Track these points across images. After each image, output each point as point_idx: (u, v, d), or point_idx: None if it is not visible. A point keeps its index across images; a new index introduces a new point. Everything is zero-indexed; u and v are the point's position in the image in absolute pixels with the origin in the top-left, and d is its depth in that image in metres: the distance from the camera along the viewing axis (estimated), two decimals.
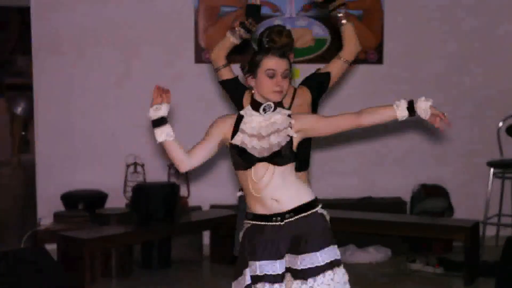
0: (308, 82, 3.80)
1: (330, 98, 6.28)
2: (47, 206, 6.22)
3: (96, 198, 6.21)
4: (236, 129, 3.16)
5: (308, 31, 6.57)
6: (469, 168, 6.73)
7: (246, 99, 3.70)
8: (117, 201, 6.25)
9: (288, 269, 3.11)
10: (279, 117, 3.15)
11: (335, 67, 3.79)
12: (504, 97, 6.69)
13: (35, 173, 6.44)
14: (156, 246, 5.93)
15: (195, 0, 6.44)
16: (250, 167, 3.12)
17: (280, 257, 3.11)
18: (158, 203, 5.78)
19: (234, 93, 3.78)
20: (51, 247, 5.63)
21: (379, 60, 6.65)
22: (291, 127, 3.13)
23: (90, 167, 6.39)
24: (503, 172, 6.57)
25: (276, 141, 3.11)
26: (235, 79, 3.79)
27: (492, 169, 6.44)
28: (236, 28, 3.74)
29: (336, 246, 3.17)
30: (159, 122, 3.09)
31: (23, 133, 9.61)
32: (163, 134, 3.11)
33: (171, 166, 6.24)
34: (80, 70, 6.38)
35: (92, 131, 6.39)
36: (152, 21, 6.41)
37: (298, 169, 3.25)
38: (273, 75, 3.10)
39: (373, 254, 6.12)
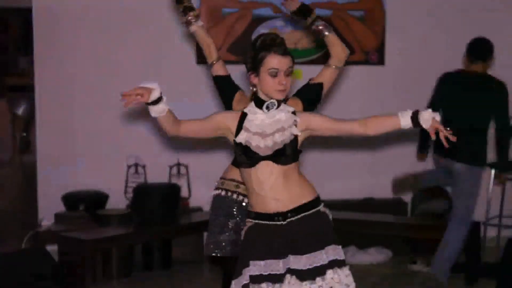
0: (300, 93, 3.77)
1: (331, 99, 6.27)
2: (48, 207, 6.22)
3: (97, 199, 6.21)
4: (240, 127, 3.14)
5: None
6: None
7: (236, 100, 3.70)
8: (118, 202, 6.25)
9: (291, 271, 3.09)
10: (283, 114, 3.13)
11: (326, 76, 3.77)
12: None
13: (36, 174, 6.45)
14: (157, 247, 5.94)
15: (196, 1, 6.44)
16: (254, 165, 3.10)
17: (283, 256, 3.10)
18: (159, 204, 5.78)
19: (225, 91, 3.77)
20: (52, 248, 5.63)
21: (381, 61, 6.65)
22: (295, 125, 3.12)
23: (91, 168, 6.39)
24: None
25: (280, 139, 3.09)
26: (228, 77, 3.77)
27: (493, 171, 6.44)
28: (184, 19, 3.79)
29: (340, 246, 3.17)
30: (156, 101, 3.05)
31: (24, 134, 9.63)
32: (156, 113, 3.07)
33: (172, 167, 6.26)
34: (82, 71, 6.38)
35: (93, 132, 6.39)
36: (153, 22, 6.42)
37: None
38: (276, 74, 3.07)
39: (374, 255, 6.12)
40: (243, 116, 3.15)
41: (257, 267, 3.10)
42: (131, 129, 6.39)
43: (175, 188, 5.94)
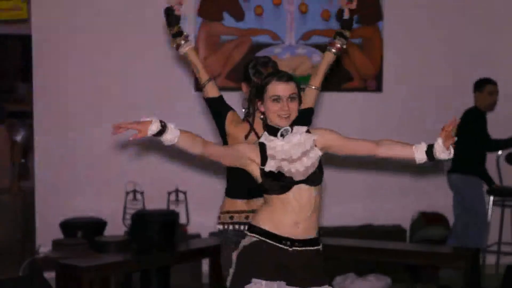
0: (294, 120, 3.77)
1: (328, 126, 6.26)
2: (46, 234, 6.20)
3: (95, 226, 6.19)
4: (264, 156, 3.14)
5: (307, 59, 6.59)
6: None
7: (229, 120, 3.70)
8: (116, 228, 6.24)
9: None
10: (299, 137, 3.16)
11: (311, 98, 3.78)
12: (503, 125, 6.70)
13: (34, 201, 6.43)
14: (155, 274, 5.90)
15: (195, 29, 6.48)
16: (287, 191, 3.11)
17: (280, 281, 3.09)
18: (157, 230, 5.76)
19: (217, 112, 3.77)
20: (50, 275, 5.61)
21: (379, 88, 6.68)
22: (315, 145, 3.16)
23: (89, 194, 6.38)
24: (502, 200, 6.57)
25: (310, 162, 3.13)
26: (220, 97, 3.77)
27: (491, 197, 6.44)
28: (175, 43, 3.78)
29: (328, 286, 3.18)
30: (160, 132, 3.04)
31: (23, 160, 9.62)
32: (167, 141, 3.06)
33: (171, 193, 6.25)
34: (79, 98, 6.39)
35: (91, 158, 6.40)
36: (152, 49, 6.44)
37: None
38: (278, 100, 3.11)
39: (373, 282, 6.09)
40: (262, 146, 3.17)
41: (257, 285, 3.09)
42: (129, 156, 6.40)
43: (174, 215, 5.93)
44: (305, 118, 3.67)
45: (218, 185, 6.01)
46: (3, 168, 7.09)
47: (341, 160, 6.62)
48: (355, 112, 6.68)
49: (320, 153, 3.16)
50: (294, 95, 3.13)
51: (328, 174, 6.48)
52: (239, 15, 6.52)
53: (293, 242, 3.13)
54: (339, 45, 3.75)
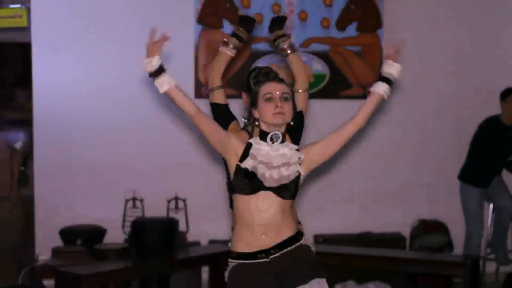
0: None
1: (327, 133, 6.26)
2: (46, 242, 6.20)
3: (95, 233, 6.19)
4: (245, 154, 3.13)
5: (307, 67, 6.60)
6: None
7: (231, 129, 3.69)
8: (115, 236, 6.23)
9: None
10: (287, 150, 3.14)
11: (300, 101, 3.78)
12: None
13: (34, 208, 6.43)
14: (155, 282, 5.90)
15: (195, 36, 6.48)
16: (254, 193, 3.09)
17: (283, 286, 3.08)
18: (157, 238, 5.76)
19: (222, 119, 3.76)
20: (49, 283, 5.60)
21: None
22: (300, 163, 3.13)
23: (88, 202, 6.38)
24: None
25: (287, 173, 3.10)
26: (226, 106, 3.77)
27: (491, 205, 6.44)
28: (228, 39, 3.74)
29: (325, 280, 3.15)
30: (157, 72, 3.09)
31: (23, 168, 9.61)
32: (165, 83, 3.10)
33: (170, 201, 6.24)
34: (79, 106, 6.40)
35: (90, 166, 6.39)
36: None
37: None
38: (271, 98, 3.10)
39: None
40: (248, 145, 3.15)
41: None
42: (129, 163, 6.40)
43: (173, 223, 5.92)
44: (296, 121, 3.67)
45: (218, 192, 6.01)
46: (2, 176, 7.09)
47: (340, 168, 6.63)
48: None
49: (302, 171, 3.13)
50: (286, 95, 3.13)
51: (328, 181, 6.53)
52: None
53: (268, 252, 3.11)
54: (286, 45, 3.75)
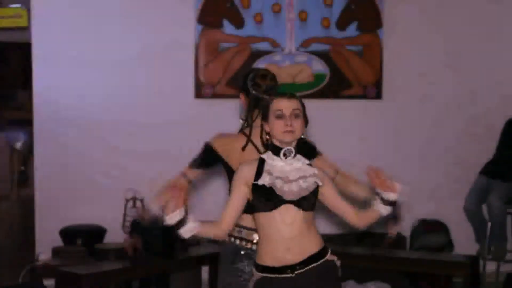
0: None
1: (328, 133, 6.27)
2: (46, 241, 6.19)
3: (95, 233, 6.19)
4: (259, 171, 3.12)
5: (307, 67, 6.60)
6: None
7: (219, 148, 3.70)
8: (116, 236, 6.22)
9: None
10: (300, 164, 3.14)
11: (320, 165, 3.76)
12: None
13: (34, 208, 6.43)
14: (155, 282, 5.90)
15: (195, 35, 6.48)
16: (276, 208, 3.08)
17: None
18: (157, 238, 5.76)
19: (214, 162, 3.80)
20: (49, 283, 5.60)
21: (378, 96, 6.68)
22: (315, 174, 3.14)
23: (89, 202, 6.38)
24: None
25: (305, 185, 3.11)
26: (204, 158, 3.94)
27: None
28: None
29: None
30: (180, 223, 3.16)
31: (23, 168, 9.62)
32: (187, 232, 3.18)
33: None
34: (79, 106, 6.40)
35: (90, 165, 6.39)
36: (152, 56, 6.45)
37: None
38: (281, 115, 3.08)
39: None
40: (261, 161, 3.15)
41: None
42: (129, 163, 6.40)
43: None
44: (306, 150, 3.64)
45: (217, 192, 6.00)
46: (2, 176, 7.10)
47: (340, 168, 6.62)
48: (354, 120, 6.68)
49: (320, 183, 3.14)
50: (297, 112, 3.10)
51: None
52: (239, 23, 6.53)
53: (293, 267, 3.11)
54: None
